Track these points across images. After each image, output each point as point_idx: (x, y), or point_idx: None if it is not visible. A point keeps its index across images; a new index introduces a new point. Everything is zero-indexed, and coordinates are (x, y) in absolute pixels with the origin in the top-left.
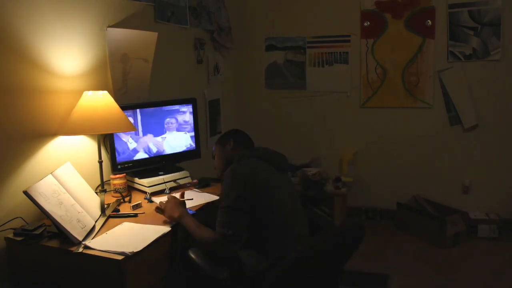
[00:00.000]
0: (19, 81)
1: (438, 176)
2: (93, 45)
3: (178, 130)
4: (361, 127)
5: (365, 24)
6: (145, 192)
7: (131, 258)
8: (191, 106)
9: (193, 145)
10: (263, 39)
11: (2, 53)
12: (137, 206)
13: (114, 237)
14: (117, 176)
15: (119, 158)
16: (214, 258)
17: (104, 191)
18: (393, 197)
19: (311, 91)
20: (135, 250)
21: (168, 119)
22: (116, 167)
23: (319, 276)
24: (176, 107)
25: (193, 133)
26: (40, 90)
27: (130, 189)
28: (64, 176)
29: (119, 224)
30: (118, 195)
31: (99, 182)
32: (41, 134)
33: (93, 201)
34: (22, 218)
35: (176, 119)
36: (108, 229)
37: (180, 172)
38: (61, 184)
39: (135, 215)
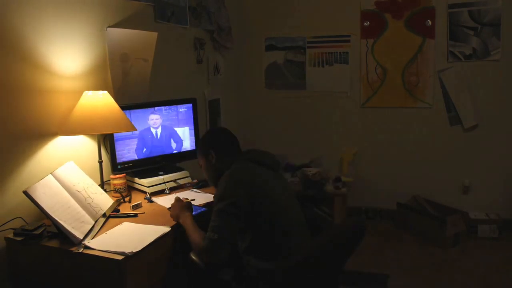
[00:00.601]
0: (19, 81)
1: (438, 176)
2: (93, 45)
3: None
4: (361, 127)
5: (365, 24)
6: (145, 192)
7: (131, 258)
8: (190, 105)
9: (193, 145)
10: (263, 39)
11: (3, 53)
12: (137, 206)
13: (114, 237)
14: (117, 176)
15: (119, 158)
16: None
17: (104, 191)
18: (393, 197)
19: (311, 91)
20: (134, 250)
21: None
22: (116, 167)
23: (320, 276)
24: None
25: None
26: (40, 90)
27: (130, 189)
28: (65, 176)
29: (119, 224)
30: (118, 195)
31: (99, 182)
32: (41, 134)
33: (100, 198)
34: (22, 218)
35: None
36: (108, 229)
37: (180, 172)
38: (61, 184)
39: (135, 215)
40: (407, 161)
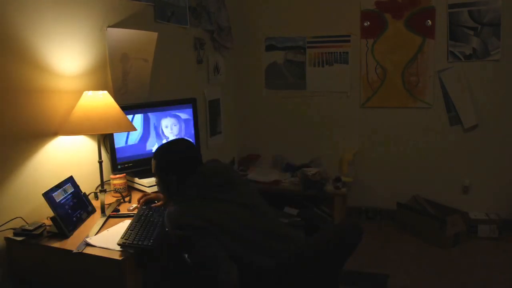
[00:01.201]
0: (19, 81)
1: (438, 176)
2: (93, 45)
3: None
4: (361, 127)
5: (365, 24)
6: (145, 192)
7: (131, 258)
8: (190, 106)
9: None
10: (263, 39)
11: (3, 53)
12: (134, 209)
13: (115, 235)
14: (117, 176)
15: (119, 157)
16: None
17: (104, 191)
18: (393, 197)
19: (311, 91)
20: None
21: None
22: (116, 167)
23: (318, 276)
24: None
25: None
26: (40, 90)
27: (130, 189)
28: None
29: (120, 223)
30: (118, 195)
31: (99, 182)
32: (42, 134)
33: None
34: (22, 218)
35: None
36: (106, 228)
37: None
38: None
39: (134, 216)
40: (407, 161)
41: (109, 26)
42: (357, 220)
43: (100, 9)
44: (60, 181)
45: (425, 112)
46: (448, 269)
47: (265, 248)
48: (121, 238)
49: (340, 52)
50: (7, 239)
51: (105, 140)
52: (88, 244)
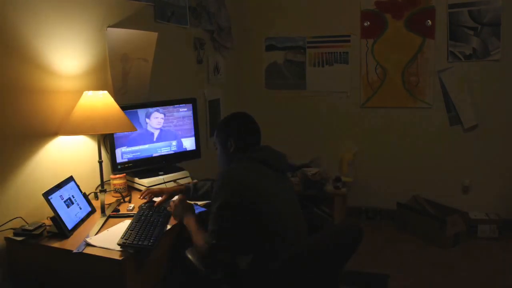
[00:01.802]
0: (19, 81)
1: (438, 176)
2: (93, 45)
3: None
4: (361, 127)
5: (365, 24)
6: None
7: (131, 258)
8: (191, 106)
9: (194, 145)
10: (263, 39)
11: (3, 53)
12: (133, 209)
13: (115, 235)
14: (117, 176)
15: (119, 157)
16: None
17: (104, 191)
18: (393, 197)
19: (311, 91)
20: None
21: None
22: (116, 167)
23: (318, 276)
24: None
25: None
26: (40, 90)
27: (130, 189)
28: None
29: (120, 223)
30: (118, 195)
31: (99, 182)
32: (42, 134)
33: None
34: (22, 218)
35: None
36: (106, 228)
37: (180, 172)
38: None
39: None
40: (407, 161)
41: (109, 26)
42: (357, 220)
43: (100, 9)
44: (60, 181)
45: (425, 112)
46: (448, 269)
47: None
48: (121, 238)
49: (340, 52)
50: (7, 239)
51: (105, 140)
52: (88, 244)
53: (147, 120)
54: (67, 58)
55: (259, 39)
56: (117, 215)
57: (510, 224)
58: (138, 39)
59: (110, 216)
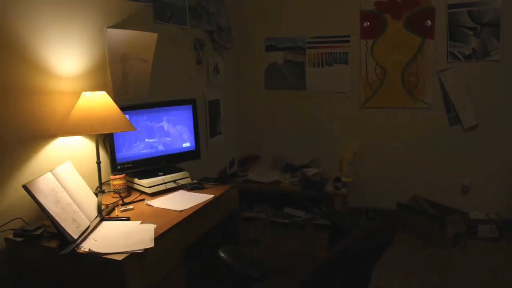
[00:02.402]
0: (18, 82)
1: (438, 176)
2: (92, 46)
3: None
4: (361, 127)
5: (365, 24)
6: (145, 193)
7: (131, 258)
8: (190, 106)
9: (193, 145)
10: (263, 39)
11: (2, 54)
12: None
13: (114, 235)
14: (117, 176)
15: (119, 158)
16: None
17: (102, 192)
18: (393, 197)
19: (311, 91)
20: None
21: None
22: (116, 167)
23: (348, 279)
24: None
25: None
26: (40, 91)
27: (130, 189)
28: (63, 175)
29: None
30: (118, 195)
31: (97, 183)
32: (41, 135)
33: (91, 202)
34: (22, 219)
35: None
36: (103, 230)
37: (180, 173)
38: (60, 182)
39: (128, 219)
40: (407, 161)
41: (108, 27)
42: (390, 220)
43: (100, 10)
44: None
45: (425, 112)
46: (448, 269)
47: None
48: None
49: (339, 53)
50: (7, 239)
51: (105, 141)
52: (77, 246)
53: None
54: (66, 58)
55: (259, 39)
56: (110, 218)
57: (510, 224)
58: (138, 39)
59: (103, 219)
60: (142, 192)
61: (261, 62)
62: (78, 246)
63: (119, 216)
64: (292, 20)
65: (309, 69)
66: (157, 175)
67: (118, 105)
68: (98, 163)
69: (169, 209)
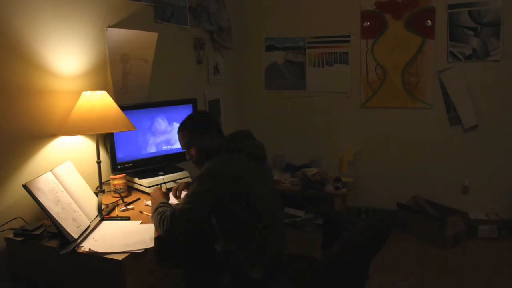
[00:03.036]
0: (18, 82)
1: (438, 176)
2: (93, 46)
3: None
4: (361, 127)
5: (365, 24)
6: (145, 193)
7: (131, 258)
8: (191, 106)
9: None
10: (263, 39)
11: (2, 54)
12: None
13: (114, 235)
14: (117, 176)
15: (119, 157)
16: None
17: (102, 191)
18: (393, 197)
19: (311, 91)
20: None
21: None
22: (116, 167)
23: (350, 274)
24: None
25: None
26: (40, 91)
27: (130, 189)
28: (64, 174)
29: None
30: (118, 195)
31: (98, 183)
32: (41, 134)
33: (91, 201)
34: (22, 219)
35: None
36: (103, 230)
37: (180, 173)
38: (60, 182)
39: (128, 219)
40: (407, 161)
41: (109, 26)
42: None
43: (100, 9)
44: None
45: (425, 113)
46: (448, 269)
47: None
48: None
49: (340, 53)
50: (7, 239)
51: (105, 140)
52: (77, 246)
53: (148, 122)
54: (67, 58)
55: (259, 39)
56: (110, 218)
57: (510, 224)
58: (138, 39)
59: (104, 219)
60: (142, 192)
61: (261, 62)
62: (78, 245)
63: (119, 215)
64: (292, 20)
65: (309, 69)
66: (157, 175)
67: (118, 104)
68: (98, 162)
69: None
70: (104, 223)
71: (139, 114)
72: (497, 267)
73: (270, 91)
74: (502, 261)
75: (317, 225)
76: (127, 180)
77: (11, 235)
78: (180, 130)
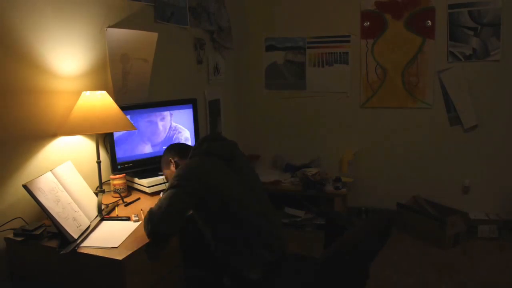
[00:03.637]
0: (18, 82)
1: (438, 176)
2: (93, 46)
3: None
4: (361, 127)
5: (365, 24)
6: (145, 193)
7: (131, 258)
8: (191, 106)
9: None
10: (263, 39)
11: (2, 54)
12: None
13: (114, 235)
14: (117, 176)
15: (119, 157)
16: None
17: (102, 191)
18: (393, 197)
19: (311, 91)
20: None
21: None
22: (116, 167)
23: (349, 274)
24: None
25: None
26: (40, 91)
27: (130, 189)
28: (64, 174)
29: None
30: (118, 195)
31: (98, 183)
32: (41, 134)
33: (91, 201)
34: (22, 219)
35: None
36: (103, 229)
37: None
38: (60, 182)
39: (128, 219)
40: (407, 161)
41: (109, 26)
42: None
43: (100, 9)
44: None
45: (425, 113)
46: (448, 269)
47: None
48: None
49: (340, 53)
50: (7, 239)
51: (105, 140)
52: (77, 246)
53: (148, 122)
54: (67, 58)
55: (259, 39)
56: (110, 218)
57: (510, 224)
58: (138, 39)
59: (103, 219)
60: (142, 192)
61: (261, 62)
62: (78, 245)
63: (119, 215)
64: (292, 20)
65: (309, 69)
66: (157, 175)
67: (118, 104)
68: (98, 162)
69: None
70: (104, 223)
71: (139, 114)
72: (497, 267)
73: (270, 91)
74: (502, 261)
75: (317, 225)
76: (127, 180)
77: (11, 235)
78: (163, 158)
